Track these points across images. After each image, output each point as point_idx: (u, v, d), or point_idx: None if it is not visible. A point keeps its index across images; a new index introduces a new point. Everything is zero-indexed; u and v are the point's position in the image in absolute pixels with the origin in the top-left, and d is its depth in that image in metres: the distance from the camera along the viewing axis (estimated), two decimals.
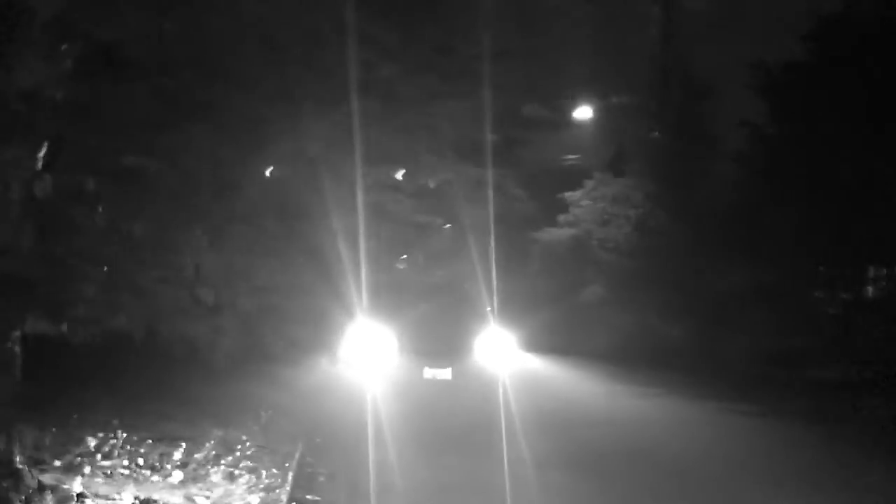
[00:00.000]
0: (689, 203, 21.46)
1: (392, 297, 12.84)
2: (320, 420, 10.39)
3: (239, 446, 8.11)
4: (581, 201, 25.07)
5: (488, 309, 13.27)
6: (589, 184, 25.13)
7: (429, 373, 12.03)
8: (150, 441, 7.89)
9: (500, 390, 11.81)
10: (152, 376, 10.48)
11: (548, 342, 21.96)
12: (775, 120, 20.73)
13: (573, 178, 26.12)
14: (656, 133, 23.67)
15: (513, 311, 16.22)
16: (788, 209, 19.49)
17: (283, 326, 14.79)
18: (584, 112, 24.49)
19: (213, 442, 8.09)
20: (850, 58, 18.41)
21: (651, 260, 21.94)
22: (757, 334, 20.36)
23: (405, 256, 28.13)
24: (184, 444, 7.84)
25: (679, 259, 21.27)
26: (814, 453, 10.13)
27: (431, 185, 10.79)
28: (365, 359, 11.83)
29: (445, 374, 12.03)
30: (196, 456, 7.65)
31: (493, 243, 14.15)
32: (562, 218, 25.61)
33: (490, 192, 12.86)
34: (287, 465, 7.82)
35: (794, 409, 14.38)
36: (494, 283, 14.10)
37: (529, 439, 9.96)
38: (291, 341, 14.42)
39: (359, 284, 12.06)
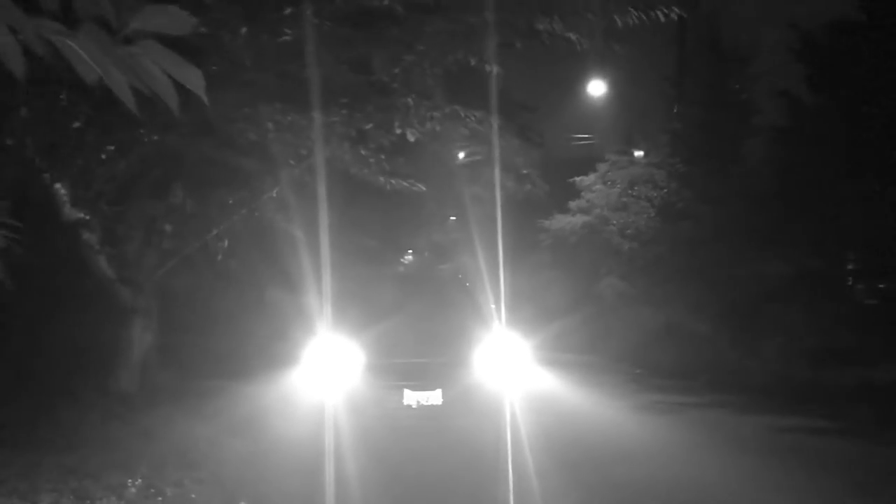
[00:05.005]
0: (720, 183, 17.82)
1: (366, 298, 9.29)
2: (252, 472, 6.84)
3: None
4: (594, 185, 21.62)
5: (493, 308, 9.56)
6: (602, 166, 21.71)
7: (411, 397, 8.32)
8: None
9: (508, 417, 8.22)
10: (27, 404, 6.97)
11: (562, 344, 18.58)
12: (816, 89, 17.27)
13: (585, 162, 22.92)
14: (675, 109, 20.03)
15: (523, 311, 12.67)
16: (829, 189, 16.19)
17: (221, 337, 11.37)
18: (596, 87, 20.86)
19: None
20: None
21: (676, 247, 18.31)
22: (793, 330, 16.97)
23: (411, 251, 25.11)
24: None
25: (708, 246, 17.69)
26: None
27: (410, 137, 7.19)
28: (328, 381, 8.25)
29: (434, 397, 8.32)
30: None
31: (499, 224, 10.46)
32: (573, 204, 22.21)
33: (497, 152, 9.20)
34: None
35: (872, 421, 10.87)
36: (502, 277, 10.43)
37: (546, 494, 6.49)
38: (230, 358, 11.03)
39: (320, 280, 8.53)
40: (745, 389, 14.13)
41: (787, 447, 9.42)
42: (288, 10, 6.11)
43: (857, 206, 15.82)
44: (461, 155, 7.42)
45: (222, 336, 10.95)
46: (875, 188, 16.15)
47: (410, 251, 24.35)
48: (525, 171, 16.90)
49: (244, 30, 5.69)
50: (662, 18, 7.26)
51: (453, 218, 19.38)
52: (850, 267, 18.68)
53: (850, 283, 18.77)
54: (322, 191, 7.46)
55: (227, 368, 10.33)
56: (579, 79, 21.97)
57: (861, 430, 10.54)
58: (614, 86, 21.10)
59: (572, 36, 6.76)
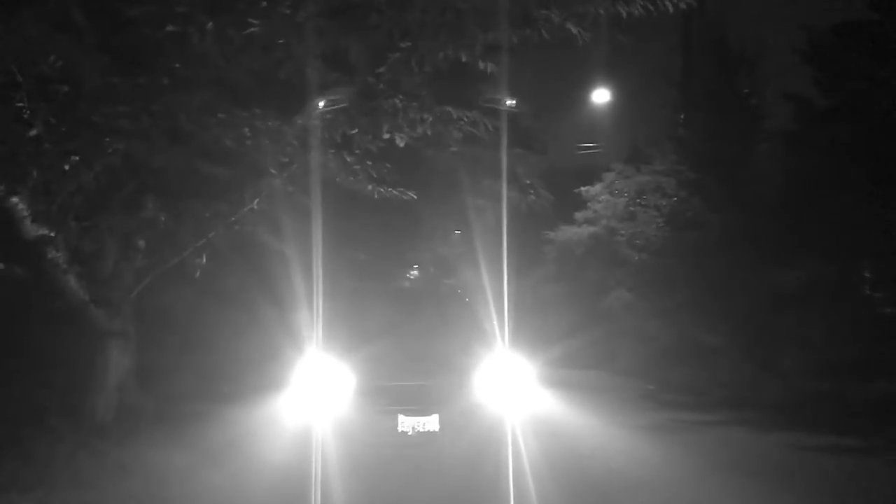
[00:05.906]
0: (730, 190, 17.16)
1: (359, 315, 8.68)
2: None
3: None
4: (600, 196, 21.04)
5: (495, 324, 8.89)
6: (608, 176, 21.12)
7: (406, 423, 7.69)
8: None
9: (510, 444, 7.59)
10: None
11: (568, 360, 17.89)
12: (826, 92, 16.65)
13: (590, 171, 22.36)
14: (682, 115, 19.42)
15: (528, 326, 11.97)
16: (843, 195, 15.53)
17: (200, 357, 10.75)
18: (601, 95, 20.33)
19: None
20: None
21: (686, 258, 17.62)
22: (810, 342, 16.27)
23: (416, 266, 24.64)
24: None
25: (718, 256, 17.02)
26: None
27: (400, 142, 6.58)
28: (316, 405, 7.64)
29: (430, 423, 7.70)
30: None
31: (504, 236, 9.81)
32: (579, 215, 21.62)
33: (504, 157, 8.59)
34: None
35: None
36: (505, 291, 9.70)
37: None
38: (214, 380, 10.41)
39: (310, 297, 7.96)
40: (763, 405, 13.49)
41: (809, 469, 8.80)
42: (264, 3, 5.56)
43: (871, 213, 15.20)
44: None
45: (206, 356, 10.38)
46: (890, 193, 15.52)
47: (416, 266, 23.87)
48: (528, 181, 16.40)
49: (210, 25, 5.14)
50: (671, 8, 6.69)
51: (458, 231, 18.83)
52: (866, 275, 17.97)
53: (867, 291, 18.04)
54: (307, 201, 6.90)
55: (211, 391, 9.77)
56: (584, 86, 21.48)
57: (886, 447, 9.92)
58: (619, 92, 20.59)
59: (572, 28, 6.17)
